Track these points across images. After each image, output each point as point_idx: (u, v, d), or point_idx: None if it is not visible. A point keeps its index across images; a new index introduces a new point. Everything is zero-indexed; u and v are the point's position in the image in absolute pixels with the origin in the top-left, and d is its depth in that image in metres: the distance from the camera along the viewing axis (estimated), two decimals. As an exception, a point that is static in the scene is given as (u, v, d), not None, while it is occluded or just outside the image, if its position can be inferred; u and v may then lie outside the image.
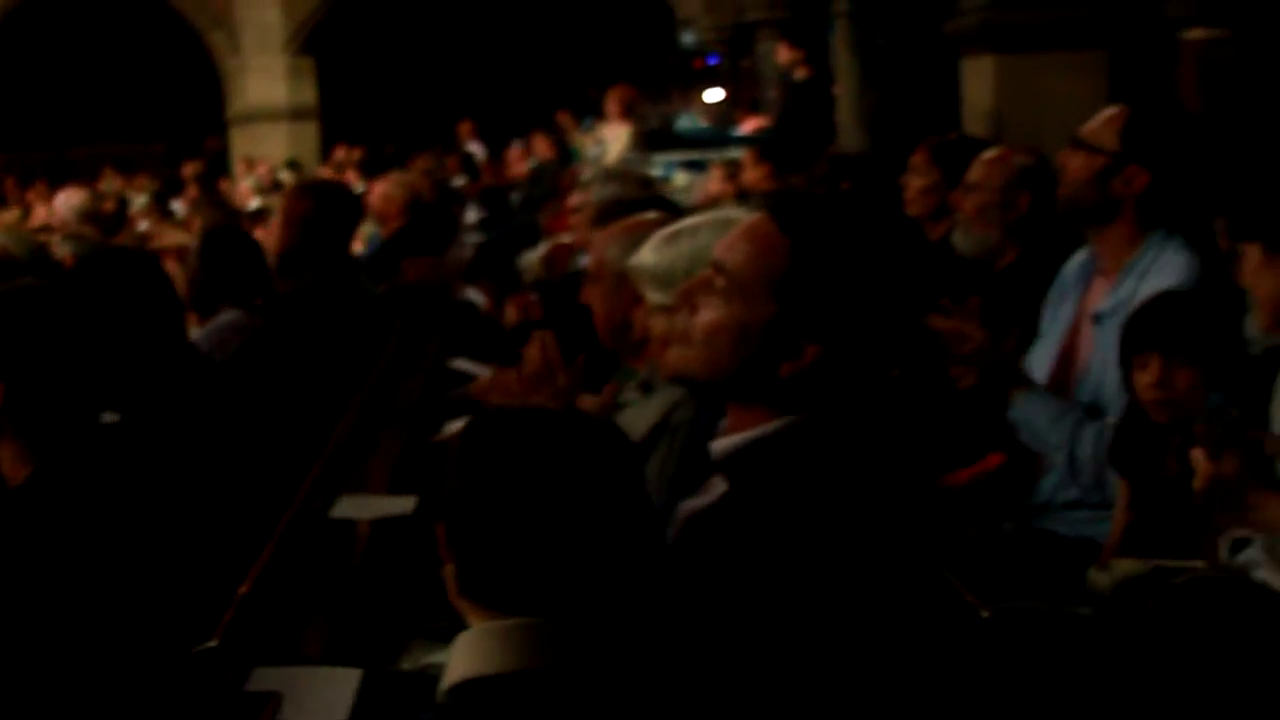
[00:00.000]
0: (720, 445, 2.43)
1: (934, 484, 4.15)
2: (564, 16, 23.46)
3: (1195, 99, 6.22)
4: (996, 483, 4.14)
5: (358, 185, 12.92)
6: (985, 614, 2.54)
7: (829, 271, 2.33)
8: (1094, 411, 3.88)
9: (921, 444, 3.87)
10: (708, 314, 2.40)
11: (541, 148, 15.43)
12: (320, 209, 5.75)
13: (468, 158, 16.83)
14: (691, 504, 2.56)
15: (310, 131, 22.17)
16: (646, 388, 3.58)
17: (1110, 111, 4.05)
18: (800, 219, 2.39)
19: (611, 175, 6.37)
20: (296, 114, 22.14)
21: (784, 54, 11.72)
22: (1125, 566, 3.20)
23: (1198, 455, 3.02)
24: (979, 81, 6.97)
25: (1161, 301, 3.61)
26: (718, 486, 2.48)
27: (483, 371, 5.64)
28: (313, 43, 22.26)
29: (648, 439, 3.44)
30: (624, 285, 3.57)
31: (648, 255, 3.33)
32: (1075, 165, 4.03)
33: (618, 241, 3.71)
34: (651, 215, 3.86)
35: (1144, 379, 3.51)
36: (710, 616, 2.21)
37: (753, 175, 8.46)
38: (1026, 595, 3.48)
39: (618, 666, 2.07)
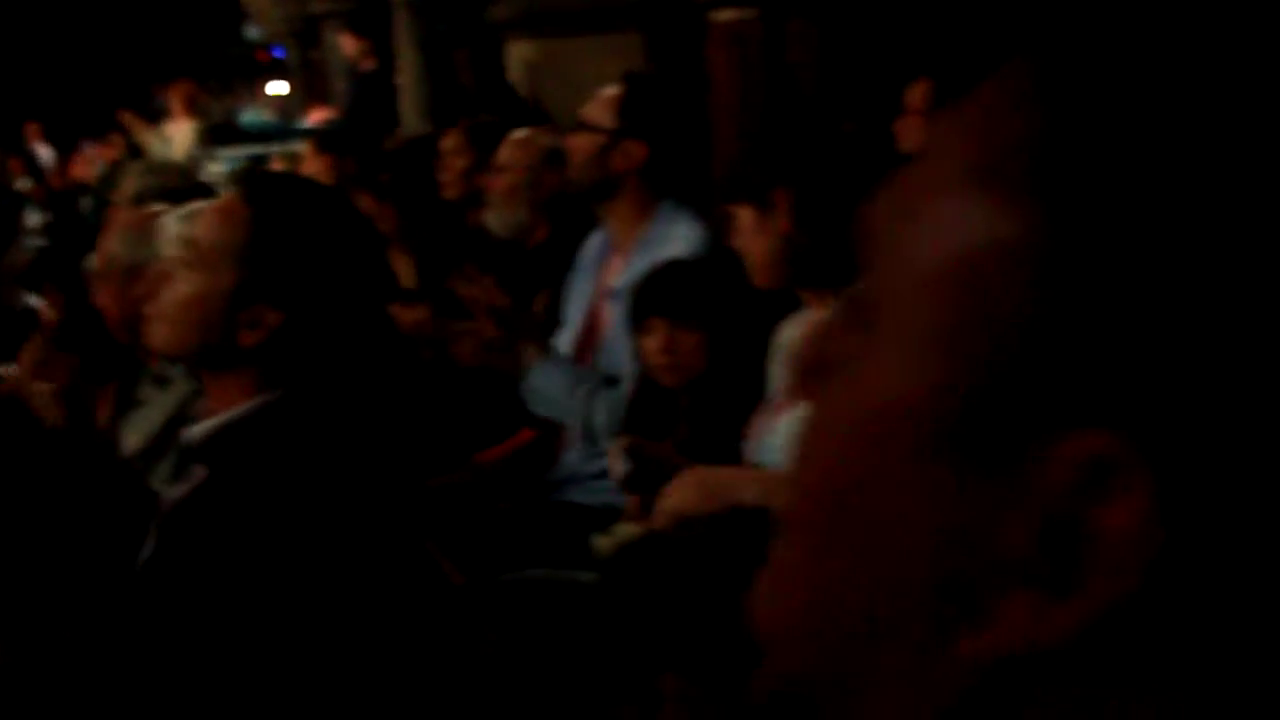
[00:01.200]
0: (195, 431, 2.44)
1: (468, 460, 4.22)
2: (127, 12, 22.86)
3: (726, 78, 6.41)
4: (527, 457, 4.22)
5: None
6: (459, 582, 2.60)
7: (287, 240, 2.39)
8: (613, 384, 3.97)
9: (416, 420, 3.92)
10: (178, 288, 2.43)
11: (111, 149, 15.04)
12: None
13: (31, 160, 16.30)
14: (173, 493, 2.56)
15: None
16: (161, 382, 3.54)
17: (608, 91, 4.13)
18: (263, 192, 2.44)
19: (148, 170, 6.24)
20: None
21: (349, 45, 11.63)
22: (625, 531, 3.26)
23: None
24: (521, 66, 7.08)
25: (665, 269, 3.69)
26: (198, 473, 2.49)
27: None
28: None
29: (163, 433, 3.41)
30: (133, 279, 3.53)
31: (173, 223, 3.30)
32: (578, 145, 4.11)
33: (122, 236, 3.66)
34: (157, 208, 3.82)
35: (650, 344, 3.58)
36: (181, 605, 2.22)
37: (313, 167, 8.37)
38: (544, 564, 3.55)
39: (81, 661, 2.07)
